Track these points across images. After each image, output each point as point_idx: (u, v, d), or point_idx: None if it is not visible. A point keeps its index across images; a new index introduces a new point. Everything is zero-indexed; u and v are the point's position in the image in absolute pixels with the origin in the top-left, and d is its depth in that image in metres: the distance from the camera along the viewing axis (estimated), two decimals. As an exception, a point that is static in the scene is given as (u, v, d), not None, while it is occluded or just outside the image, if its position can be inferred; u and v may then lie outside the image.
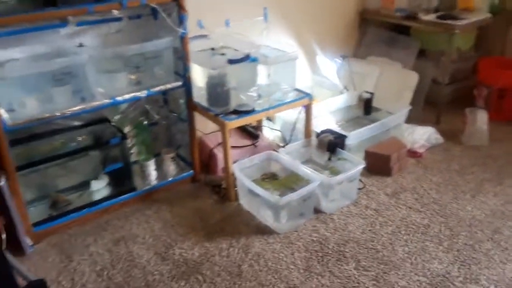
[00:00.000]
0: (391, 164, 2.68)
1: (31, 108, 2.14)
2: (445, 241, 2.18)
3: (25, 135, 2.29)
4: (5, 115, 2.04)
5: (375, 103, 3.16)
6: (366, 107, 3.09)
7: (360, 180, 2.64)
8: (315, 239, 2.23)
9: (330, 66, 3.47)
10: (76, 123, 2.46)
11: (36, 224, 2.24)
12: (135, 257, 2.14)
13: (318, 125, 2.78)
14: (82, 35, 2.32)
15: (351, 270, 2.03)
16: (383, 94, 3.23)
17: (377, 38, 3.62)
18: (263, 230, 2.30)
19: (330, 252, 2.14)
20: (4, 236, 1.80)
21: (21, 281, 1.80)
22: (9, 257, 1.74)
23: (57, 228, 2.30)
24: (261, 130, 3.05)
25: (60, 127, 2.40)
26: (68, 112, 2.18)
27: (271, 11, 2.95)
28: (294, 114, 2.87)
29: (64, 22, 2.21)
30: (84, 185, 2.49)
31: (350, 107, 3.21)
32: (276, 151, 2.65)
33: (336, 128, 2.70)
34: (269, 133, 3.09)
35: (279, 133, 3.08)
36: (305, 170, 2.41)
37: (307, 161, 2.72)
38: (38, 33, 2.19)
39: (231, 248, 2.19)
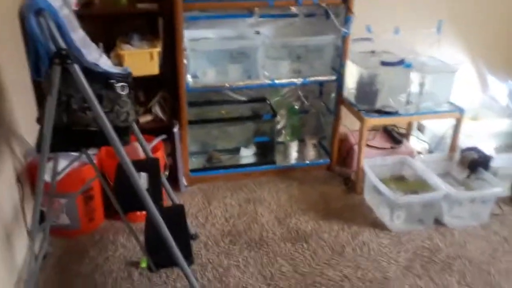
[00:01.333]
0: (542, 198, 2.42)
1: (209, 77, 2.66)
2: None
3: (201, 100, 2.85)
4: (190, 79, 2.60)
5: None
6: (532, 136, 2.82)
7: (500, 207, 2.47)
8: (426, 245, 2.22)
9: (502, 88, 3.23)
10: (241, 98, 2.93)
11: (193, 171, 2.78)
12: (258, 215, 2.48)
13: (467, 142, 2.68)
14: (261, 25, 2.75)
15: (452, 282, 1.98)
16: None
17: None
18: (378, 225, 2.38)
19: (437, 261, 2.12)
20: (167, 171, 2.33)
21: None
22: (165, 181, 2.24)
23: (207, 178, 2.80)
24: (407, 138, 3.06)
25: (228, 99, 2.90)
26: (236, 85, 2.63)
27: (446, 24, 2.94)
28: (444, 127, 2.82)
29: (250, 13, 2.66)
30: (236, 150, 2.95)
31: (514, 134, 2.96)
32: (414, 157, 2.66)
33: (484, 148, 2.56)
34: (416, 142, 3.08)
35: (426, 145, 3.05)
36: (435, 179, 2.39)
37: (445, 175, 2.65)
38: (228, 19, 2.70)
39: (341, 230, 2.34)
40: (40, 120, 1.79)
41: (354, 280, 2.01)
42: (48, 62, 1.56)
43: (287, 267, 2.09)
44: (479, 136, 2.81)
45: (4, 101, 1.93)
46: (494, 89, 3.27)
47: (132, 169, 1.65)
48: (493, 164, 2.50)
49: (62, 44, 1.53)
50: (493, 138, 2.93)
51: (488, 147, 2.76)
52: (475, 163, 2.50)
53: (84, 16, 2.31)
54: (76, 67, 1.56)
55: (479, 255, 2.15)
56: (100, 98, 1.71)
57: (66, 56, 1.53)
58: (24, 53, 2.22)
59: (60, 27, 1.53)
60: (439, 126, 2.92)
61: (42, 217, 1.94)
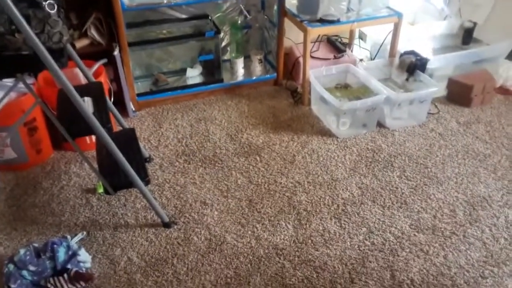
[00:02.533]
0: (472, 95, 2.61)
1: (145, -6, 2.52)
2: (499, 171, 2.17)
3: (139, 20, 2.71)
4: (124, -2, 2.44)
5: (479, 36, 2.99)
6: (465, 37, 2.95)
7: (436, 106, 2.64)
8: (369, 147, 2.37)
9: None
10: (182, 16, 2.81)
11: (140, 95, 2.71)
12: (210, 134, 2.51)
13: (405, 47, 2.77)
14: None
15: (393, 177, 2.16)
16: (493, 27, 3.02)
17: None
18: (325, 133, 2.50)
19: (379, 160, 2.28)
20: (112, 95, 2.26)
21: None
22: (112, 106, 2.19)
23: (155, 102, 2.75)
24: (350, 47, 3.12)
25: (168, 18, 2.77)
26: (175, 1, 2.51)
27: None
28: (384, 35, 2.88)
29: None
30: (181, 71, 2.89)
31: (450, 36, 3.07)
32: (356, 65, 2.74)
33: (421, 51, 2.67)
34: (358, 51, 3.15)
35: (368, 52, 3.12)
36: (376, 84, 2.50)
37: (386, 80, 2.76)
38: None
39: (291, 141, 2.44)
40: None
41: (305, 185, 2.14)
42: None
43: (242, 179, 2.18)
44: (417, 39, 2.91)
45: None
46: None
47: (74, 92, 1.60)
48: (430, 66, 2.63)
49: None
50: (430, 41, 3.04)
51: (425, 50, 2.87)
52: (413, 66, 2.61)
53: None
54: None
55: (417, 151, 2.33)
56: (27, 19, 1.59)
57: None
58: None
59: None
60: (379, 33, 2.97)
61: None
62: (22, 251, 1.66)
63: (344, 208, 2.00)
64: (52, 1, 1.65)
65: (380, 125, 2.52)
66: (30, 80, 2.16)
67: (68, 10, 2.51)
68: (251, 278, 1.70)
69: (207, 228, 1.92)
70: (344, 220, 1.94)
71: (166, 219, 1.92)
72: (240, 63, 2.92)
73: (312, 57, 2.89)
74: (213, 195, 2.09)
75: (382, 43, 2.93)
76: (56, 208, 2.01)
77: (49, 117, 2.26)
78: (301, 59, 2.94)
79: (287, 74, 3.01)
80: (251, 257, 1.78)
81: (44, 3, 1.63)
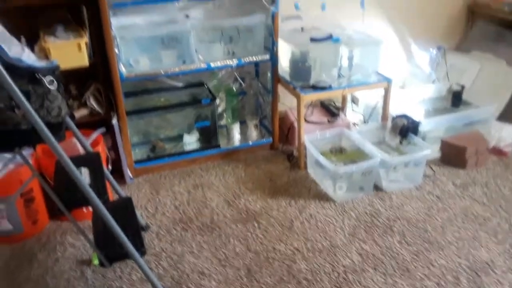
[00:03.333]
0: (467, 157, 2.64)
1: (143, 65, 2.60)
2: (500, 234, 2.15)
3: (137, 89, 2.79)
4: (123, 69, 2.53)
5: (469, 98, 3.08)
6: (455, 99, 3.04)
7: (431, 168, 2.67)
8: (368, 211, 2.36)
9: (424, 57, 3.45)
10: (179, 84, 2.90)
11: (138, 162, 2.73)
12: (207, 200, 2.50)
13: (397, 110, 2.84)
14: (190, 8, 2.71)
15: (394, 243, 2.13)
16: (480, 90, 3.13)
17: (485, 32, 3.48)
18: (322, 197, 2.49)
19: (378, 224, 2.26)
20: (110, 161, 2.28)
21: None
22: (109, 175, 2.19)
23: (152, 168, 2.76)
24: (343, 111, 3.19)
25: (165, 86, 2.86)
26: (172, 71, 2.59)
27: None
28: (376, 99, 2.97)
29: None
30: (179, 138, 2.93)
31: (439, 98, 3.17)
32: (350, 129, 2.79)
33: (412, 114, 2.74)
34: (352, 114, 3.22)
35: (361, 116, 3.20)
36: (371, 148, 2.53)
37: (379, 143, 2.81)
38: (157, 4, 2.62)
39: (289, 206, 2.43)
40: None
41: (304, 252, 2.10)
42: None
43: (240, 247, 2.15)
44: (408, 103, 2.99)
45: None
46: (418, 58, 3.48)
47: (70, 164, 1.61)
48: (422, 128, 2.69)
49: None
50: (421, 104, 3.13)
51: (417, 113, 2.95)
52: (405, 129, 2.67)
53: (2, 9, 2.18)
54: (-2, 65, 1.48)
55: (415, 214, 2.32)
56: (27, 95, 1.63)
57: (-14, 53, 1.45)
58: None
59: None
60: (371, 97, 3.07)
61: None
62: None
63: (345, 276, 1.96)
64: (51, 77, 1.71)
65: (377, 188, 2.53)
66: (28, 150, 2.18)
67: (68, 82, 2.59)
68: None
69: (204, 300, 1.86)
70: (346, 289, 1.89)
71: (163, 292, 1.87)
72: (236, 129, 2.98)
73: (306, 121, 2.96)
74: (211, 265, 2.04)
75: (374, 107, 3.01)
76: (51, 282, 1.95)
77: (44, 188, 2.27)
78: (295, 124, 3.00)
79: (282, 138, 3.06)
80: (250, 332, 1.71)
81: (43, 79, 1.68)
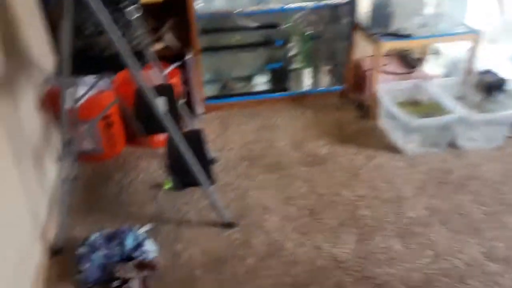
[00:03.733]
0: (556, 120, 2.43)
1: (219, 2, 2.59)
2: None
3: (212, 27, 2.79)
4: (199, 5, 2.52)
5: None
6: (551, 59, 2.77)
7: (514, 129, 2.50)
8: (440, 168, 2.27)
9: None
10: (253, 24, 2.86)
11: (208, 99, 2.79)
12: (274, 141, 2.52)
13: (483, 66, 2.65)
14: None
15: (465, 201, 2.05)
16: None
17: None
18: (392, 149, 2.43)
19: (451, 181, 2.18)
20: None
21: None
22: (182, 107, 2.26)
23: (222, 106, 2.81)
24: (422, 63, 3.02)
25: (239, 26, 2.83)
26: (246, 10, 2.56)
27: None
28: (461, 51, 2.77)
29: None
30: (249, 78, 2.94)
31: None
32: (429, 81, 2.65)
33: (500, 71, 2.53)
34: (431, 67, 3.04)
35: (442, 69, 3.01)
36: (450, 103, 2.40)
37: (460, 98, 2.63)
38: None
39: (356, 154, 2.39)
40: (56, 47, 1.79)
41: (369, 199, 2.08)
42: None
43: (304, 188, 2.17)
44: (496, 59, 2.77)
45: (18, 32, 1.91)
46: (511, 11, 3.17)
47: (150, 92, 1.67)
48: (508, 87, 2.49)
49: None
50: (509, 61, 2.89)
51: (505, 70, 2.73)
52: (490, 86, 2.49)
53: None
54: (88, -10, 1.53)
55: (492, 175, 2.21)
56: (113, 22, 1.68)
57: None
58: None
59: None
60: (454, 50, 2.87)
61: (68, 143, 1.98)
62: (94, 236, 1.75)
63: (409, 227, 1.93)
64: (133, 7, 1.75)
65: (452, 145, 2.42)
66: (110, 78, 2.29)
67: (147, 16, 2.63)
68: (310, 288, 1.67)
69: (266, 233, 1.92)
70: (409, 240, 1.87)
71: (228, 220, 1.95)
72: (307, 73, 2.93)
73: (382, 71, 2.83)
74: (274, 201, 2.09)
75: (457, 60, 2.81)
76: (126, 199, 2.10)
77: (123, 114, 2.39)
78: (370, 72, 2.89)
79: (354, 86, 2.97)
80: (310, 267, 1.76)
81: (126, 8, 1.73)
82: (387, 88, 2.58)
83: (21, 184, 1.68)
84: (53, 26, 2.27)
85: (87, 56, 1.73)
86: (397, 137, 2.46)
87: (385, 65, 2.92)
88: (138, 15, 1.81)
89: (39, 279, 1.68)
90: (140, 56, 1.78)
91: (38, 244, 1.75)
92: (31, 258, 1.68)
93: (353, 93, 2.95)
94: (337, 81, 2.96)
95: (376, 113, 2.66)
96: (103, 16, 1.55)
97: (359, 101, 2.86)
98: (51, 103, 2.13)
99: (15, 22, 1.87)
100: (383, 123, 2.60)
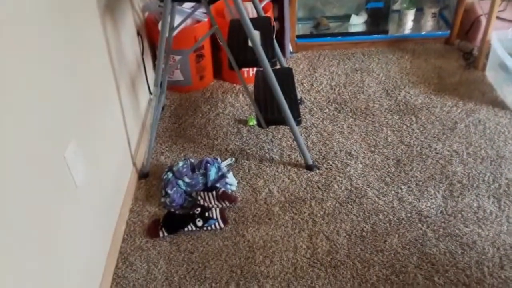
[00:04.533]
0: None
1: None
2: None
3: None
4: None
5: None
6: None
7: None
8: (553, 128, 2.03)
9: None
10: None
11: (300, 37, 2.69)
12: (365, 86, 2.40)
13: None
14: None
15: None
16: None
17: None
18: (497, 104, 2.20)
19: None
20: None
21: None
22: (274, 41, 2.20)
23: (313, 45, 2.71)
24: (548, 10, 2.63)
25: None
26: None
27: None
28: None
29: None
30: (346, 17, 2.77)
31: None
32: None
33: None
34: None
35: None
36: None
37: None
38: None
39: (455, 107, 2.20)
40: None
41: (464, 156, 1.93)
42: None
43: (392, 137, 2.06)
44: None
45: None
46: None
47: (249, 23, 1.64)
48: None
49: None
50: None
51: None
52: None
53: None
54: None
55: None
56: None
57: None
58: None
59: None
60: None
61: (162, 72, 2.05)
62: (180, 163, 1.83)
63: (507, 189, 1.77)
64: None
65: None
66: (203, 10, 2.28)
67: None
68: (388, 238, 1.63)
69: (349, 178, 1.87)
70: (505, 202, 1.72)
71: (310, 162, 1.92)
72: (410, 15, 2.69)
73: (497, 17, 2.51)
74: (359, 148, 2.02)
75: None
76: (211, 131, 2.16)
77: (214, 47, 2.39)
78: (483, 18, 2.59)
79: (462, 34, 2.68)
80: (391, 217, 1.70)
81: None
82: (502, 36, 2.29)
83: (121, 108, 1.79)
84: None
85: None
86: (505, 92, 2.21)
87: (501, 10, 2.59)
88: None
89: (130, 195, 1.82)
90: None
91: (130, 165, 1.88)
92: (125, 177, 1.81)
93: (460, 40, 2.67)
94: (444, 25, 2.69)
95: (484, 64, 2.40)
96: None
97: (467, 49, 2.59)
98: (148, 30, 2.20)
99: None
100: (492, 75, 2.35)
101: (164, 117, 2.25)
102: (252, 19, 2.10)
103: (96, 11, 1.59)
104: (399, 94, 2.32)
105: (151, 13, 2.24)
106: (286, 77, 2.05)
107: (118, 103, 1.77)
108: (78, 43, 1.39)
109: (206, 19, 2.29)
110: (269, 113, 1.88)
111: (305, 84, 2.45)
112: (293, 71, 2.51)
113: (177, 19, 2.09)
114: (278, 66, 2.32)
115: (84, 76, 1.43)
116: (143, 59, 2.13)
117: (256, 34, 1.85)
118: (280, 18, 2.59)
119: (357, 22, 2.74)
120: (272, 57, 1.76)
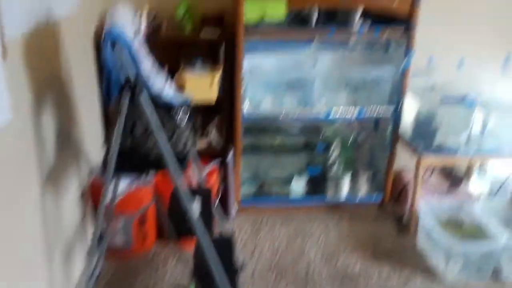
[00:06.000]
0: None
1: (266, 105, 2.67)
2: None
3: (256, 127, 2.86)
4: (246, 107, 2.62)
5: None
6: None
7: None
8: (484, 300, 2.09)
9: None
10: (296, 127, 2.92)
11: (244, 199, 2.78)
12: (305, 251, 2.44)
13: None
14: (320, 54, 2.70)
15: None
16: None
17: None
18: (431, 272, 2.28)
19: (495, 318, 1.99)
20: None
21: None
22: (216, 208, 2.26)
23: (257, 207, 2.79)
24: (467, 180, 2.93)
25: (283, 127, 2.90)
26: (292, 114, 2.62)
27: None
28: (508, 170, 2.68)
29: (310, 41, 2.64)
30: (287, 180, 2.92)
31: None
32: (473, 201, 2.54)
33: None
34: (476, 185, 2.94)
35: (487, 188, 2.89)
36: (495, 227, 2.26)
37: (508, 222, 2.49)
38: (288, 47, 2.67)
39: (391, 274, 2.26)
40: (106, 142, 1.88)
41: (403, 330, 1.92)
42: (118, 90, 1.64)
43: (333, 307, 2.04)
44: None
45: (75, 122, 2.04)
46: None
47: (186, 197, 1.69)
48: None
49: (133, 73, 1.60)
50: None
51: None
52: (542, 214, 2.35)
53: (151, 42, 2.40)
54: (144, 94, 1.64)
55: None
56: (161, 126, 1.77)
57: (136, 85, 1.60)
58: (96, 79, 2.35)
59: (132, 57, 1.61)
60: (502, 168, 2.77)
61: (100, 237, 2.01)
62: None
63: None
64: (184, 113, 1.84)
65: (497, 275, 2.24)
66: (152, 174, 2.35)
67: (195, 114, 2.76)
68: None
69: None
70: None
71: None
72: (346, 180, 2.89)
73: (423, 185, 2.76)
74: (300, 320, 1.97)
75: (505, 180, 2.71)
76: (147, 302, 2.05)
77: (158, 211, 2.41)
78: (411, 185, 2.82)
79: (394, 198, 2.89)
80: None
81: (177, 114, 1.82)
82: (428, 205, 2.49)
83: (48, 275, 1.69)
84: (108, 123, 2.41)
85: (133, 155, 1.80)
86: (437, 259, 2.32)
87: (427, 178, 2.86)
88: (187, 120, 1.90)
89: None
90: (182, 160, 1.84)
91: None
92: None
93: (392, 205, 2.86)
94: (376, 191, 2.90)
95: (415, 230, 2.54)
96: (153, 119, 1.63)
97: (398, 215, 2.76)
98: (92, 195, 2.20)
99: (74, 115, 2.01)
100: (422, 242, 2.47)
101: (99, 284, 2.13)
102: (193, 188, 2.19)
103: (35, 177, 1.60)
104: (338, 261, 2.36)
105: (97, 177, 2.27)
106: (226, 245, 2.05)
107: (45, 271, 1.67)
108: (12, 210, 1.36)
109: (151, 184, 2.34)
110: (208, 283, 1.83)
111: (247, 247, 2.46)
112: (236, 235, 2.55)
113: (122, 184, 2.14)
114: (221, 230, 2.35)
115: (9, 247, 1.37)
116: (84, 224, 2.10)
117: (195, 205, 1.91)
118: (225, 180, 2.71)
119: (298, 186, 2.89)
120: (209, 228, 1.79)
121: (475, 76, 2.58)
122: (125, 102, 1.62)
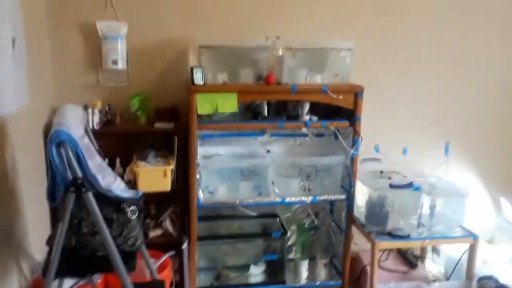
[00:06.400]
0: None
1: (221, 193, 2.68)
2: None
3: (211, 214, 2.84)
4: (201, 195, 2.62)
5: None
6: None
7: None
8: None
9: (515, 211, 3.19)
10: (252, 213, 2.92)
11: (200, 289, 2.69)
12: None
13: (483, 269, 2.57)
14: (272, 144, 2.83)
15: None
16: None
17: None
18: None
19: None
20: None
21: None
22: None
23: (214, 298, 2.70)
24: (422, 262, 2.96)
25: (238, 214, 2.89)
26: (247, 202, 2.63)
27: (453, 146, 2.94)
28: (460, 252, 2.73)
29: (262, 132, 2.76)
30: (245, 268, 2.86)
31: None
32: (429, 284, 2.56)
33: (501, 275, 2.45)
34: (432, 266, 2.97)
35: (442, 269, 2.93)
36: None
37: (463, 305, 2.52)
38: (240, 137, 2.77)
39: None
40: (49, 241, 1.81)
41: None
42: (64, 189, 1.62)
43: None
44: (496, 262, 2.71)
45: (19, 219, 1.97)
46: (508, 212, 3.22)
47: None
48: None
49: (79, 173, 1.60)
50: (510, 264, 2.81)
51: (506, 275, 2.64)
52: (494, 295, 2.38)
53: (105, 133, 2.43)
54: (89, 195, 1.62)
55: None
56: (110, 222, 1.74)
57: (81, 184, 1.60)
58: (45, 173, 2.32)
59: (78, 157, 1.62)
60: (454, 249, 2.83)
61: None
62: None
63: None
64: (135, 207, 1.82)
65: None
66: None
67: (148, 201, 2.73)
68: None
69: None
70: None
71: None
72: (304, 265, 2.86)
73: (380, 267, 2.77)
74: None
75: (458, 261, 2.75)
76: None
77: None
78: (368, 268, 2.82)
79: (353, 281, 2.86)
80: None
81: (127, 209, 1.80)
82: (385, 289, 2.49)
83: None
84: (55, 221, 2.34)
85: (79, 255, 1.73)
86: None
87: (384, 260, 2.87)
88: (139, 214, 1.87)
89: None
90: (132, 257, 1.79)
91: None
92: None
93: (352, 288, 2.83)
94: (336, 275, 2.87)
95: (376, 316, 2.51)
96: (100, 218, 1.60)
97: (358, 299, 2.73)
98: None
99: (17, 211, 1.95)
100: (383, 329, 2.43)
101: None
102: (144, 283, 2.11)
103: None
104: None
105: (39, 275, 2.15)
106: None
107: None
108: None
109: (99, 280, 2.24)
110: None
111: None
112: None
113: (67, 284, 2.03)
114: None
115: None
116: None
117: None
118: (180, 270, 2.62)
119: (256, 272, 2.83)
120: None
121: (419, 163, 2.73)
122: (70, 201, 1.60)
